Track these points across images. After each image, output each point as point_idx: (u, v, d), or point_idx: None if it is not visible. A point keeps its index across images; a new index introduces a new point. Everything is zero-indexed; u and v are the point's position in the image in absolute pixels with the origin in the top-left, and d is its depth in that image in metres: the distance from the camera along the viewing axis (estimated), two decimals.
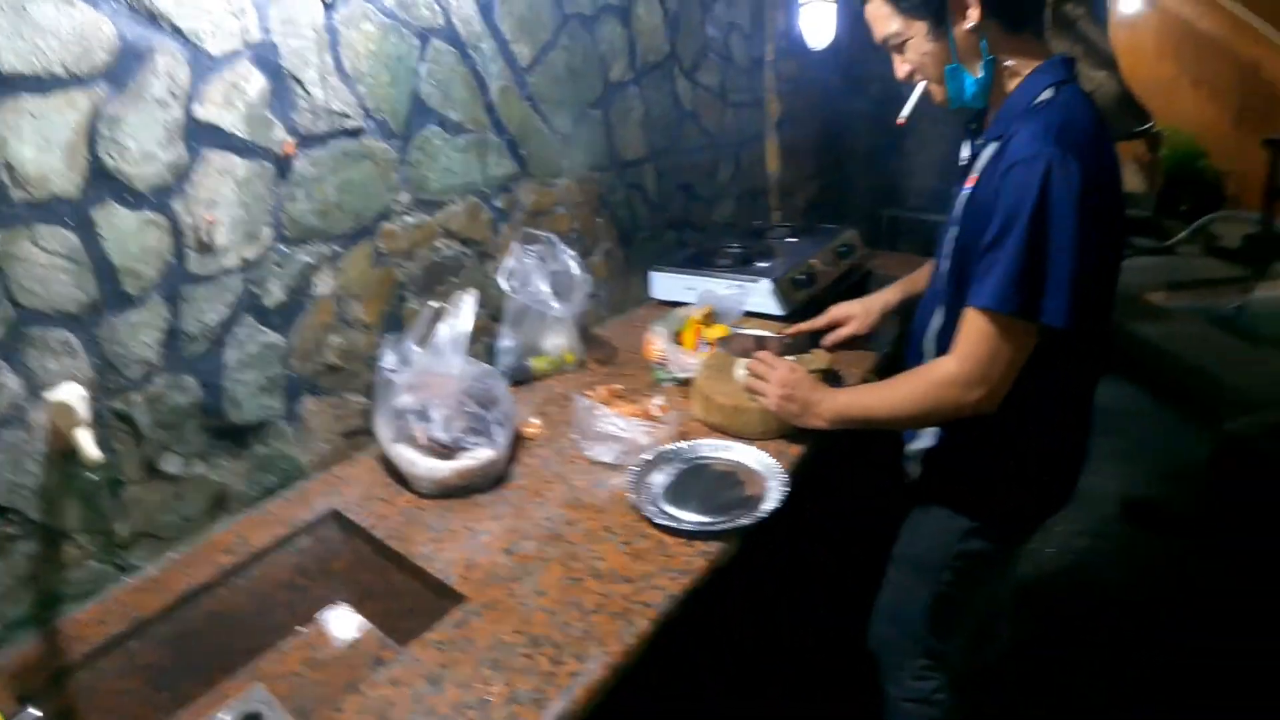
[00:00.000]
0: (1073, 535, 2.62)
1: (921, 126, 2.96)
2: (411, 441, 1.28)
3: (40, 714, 0.89)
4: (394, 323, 1.48)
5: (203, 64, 1.12)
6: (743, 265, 2.01)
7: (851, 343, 1.64)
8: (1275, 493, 2.67)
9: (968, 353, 1.11)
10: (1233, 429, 3.05)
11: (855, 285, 2.19)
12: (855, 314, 1.63)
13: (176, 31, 1.08)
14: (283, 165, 1.24)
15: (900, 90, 1.31)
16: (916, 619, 1.38)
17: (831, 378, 1.50)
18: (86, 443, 0.94)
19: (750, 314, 1.84)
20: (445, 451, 1.26)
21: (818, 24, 2.50)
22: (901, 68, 1.22)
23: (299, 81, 1.25)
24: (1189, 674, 2.02)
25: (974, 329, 1.10)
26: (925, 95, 1.26)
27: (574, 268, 1.65)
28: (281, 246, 1.27)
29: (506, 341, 1.67)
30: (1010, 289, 1.04)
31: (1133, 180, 6.16)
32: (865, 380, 1.58)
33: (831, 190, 3.20)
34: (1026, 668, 2.03)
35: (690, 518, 1.16)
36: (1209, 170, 7.63)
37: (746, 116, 2.58)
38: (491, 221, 1.68)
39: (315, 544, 1.24)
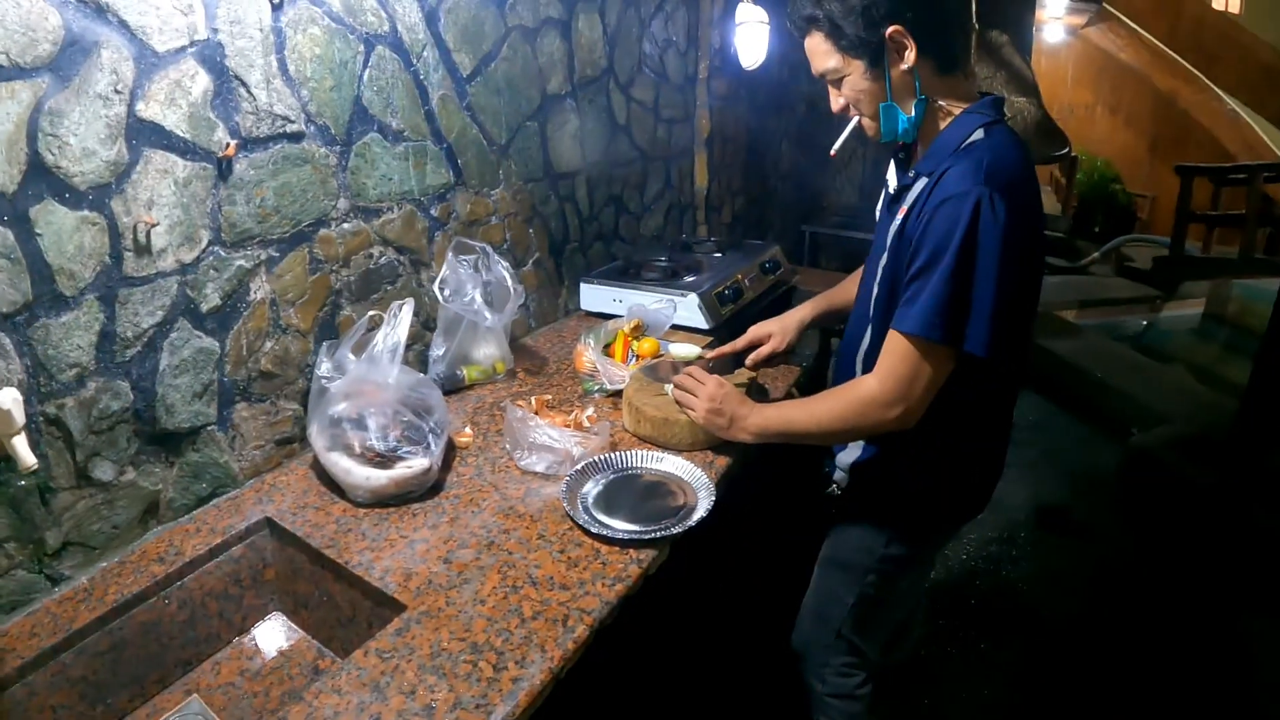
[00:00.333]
0: (987, 540, 2.76)
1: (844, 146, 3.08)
2: (347, 450, 1.26)
3: None
4: (329, 330, 1.48)
5: (148, 60, 1.09)
6: (671, 279, 2.07)
7: (772, 359, 1.70)
8: (1178, 501, 2.90)
9: (889, 373, 1.16)
10: (1139, 441, 3.30)
11: (779, 300, 2.27)
12: (774, 331, 1.66)
13: (124, 25, 1.06)
14: (223, 167, 1.22)
15: (827, 112, 1.34)
16: (841, 619, 1.44)
17: (758, 392, 1.57)
18: (22, 449, 0.92)
19: (678, 327, 1.90)
20: (381, 460, 1.25)
21: (752, 44, 2.57)
22: (837, 101, 1.24)
23: (243, 83, 1.23)
24: (1093, 670, 2.16)
25: (896, 351, 1.15)
26: (857, 129, 1.30)
27: (507, 279, 1.66)
28: (219, 250, 1.25)
29: (438, 350, 1.67)
30: (935, 317, 1.09)
31: (1048, 202, 6.35)
32: (790, 393, 1.66)
33: (756, 206, 3.31)
34: (940, 665, 2.15)
35: (623, 526, 1.18)
36: (1122, 194, 8.12)
37: (677, 132, 2.65)
38: (427, 230, 1.68)
39: (249, 553, 1.23)
